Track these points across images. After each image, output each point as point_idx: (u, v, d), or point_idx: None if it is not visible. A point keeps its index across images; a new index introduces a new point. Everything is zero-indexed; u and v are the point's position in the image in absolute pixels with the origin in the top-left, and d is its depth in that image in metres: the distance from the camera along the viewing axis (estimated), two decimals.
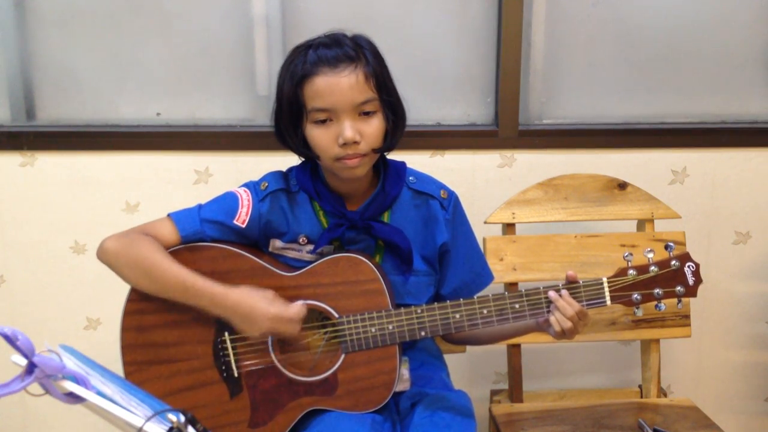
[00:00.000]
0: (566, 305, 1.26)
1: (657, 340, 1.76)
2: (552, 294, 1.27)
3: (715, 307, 2.08)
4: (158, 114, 1.99)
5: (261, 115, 1.98)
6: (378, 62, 1.30)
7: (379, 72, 1.29)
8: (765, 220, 2.04)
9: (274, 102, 1.34)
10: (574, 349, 2.10)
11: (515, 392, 1.75)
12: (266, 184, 1.38)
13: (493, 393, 1.87)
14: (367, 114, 1.27)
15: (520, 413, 1.67)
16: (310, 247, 1.37)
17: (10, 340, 0.80)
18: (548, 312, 1.28)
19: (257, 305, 1.25)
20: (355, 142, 1.26)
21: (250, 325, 1.26)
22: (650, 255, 1.29)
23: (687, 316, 1.74)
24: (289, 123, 1.31)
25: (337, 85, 1.24)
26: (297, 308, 1.27)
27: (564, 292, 1.26)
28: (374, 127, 1.28)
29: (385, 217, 1.38)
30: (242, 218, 1.35)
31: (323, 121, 1.27)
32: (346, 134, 1.25)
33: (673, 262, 1.28)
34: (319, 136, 1.28)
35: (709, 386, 2.14)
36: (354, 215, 1.35)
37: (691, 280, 1.29)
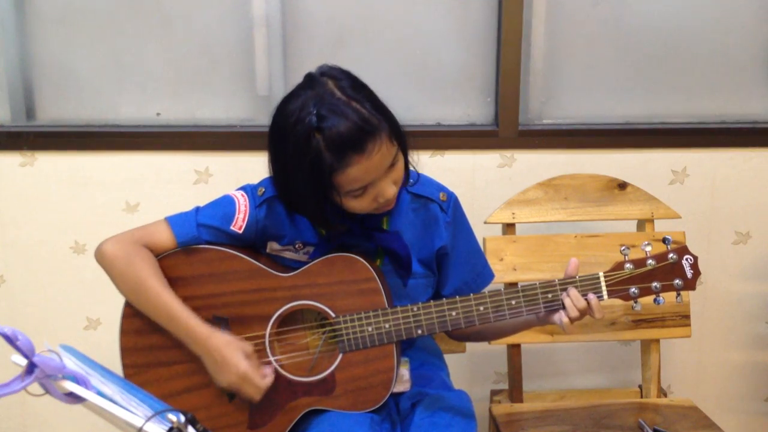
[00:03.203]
0: (572, 305, 1.26)
1: (657, 340, 1.76)
2: (562, 294, 1.27)
3: (715, 307, 2.08)
4: (158, 114, 1.99)
5: (261, 115, 1.98)
6: (375, 105, 1.21)
7: (389, 122, 1.22)
8: (765, 220, 2.04)
9: (280, 184, 1.27)
10: (574, 349, 2.10)
11: (515, 392, 1.75)
12: (263, 190, 1.36)
13: (493, 393, 1.87)
14: (393, 165, 1.24)
15: (520, 413, 1.67)
16: (308, 249, 1.36)
17: (10, 340, 0.80)
18: (545, 307, 1.28)
19: (231, 360, 1.25)
20: None
21: (218, 373, 1.27)
22: (648, 248, 1.27)
23: (687, 316, 1.74)
24: (315, 205, 1.25)
25: (372, 166, 1.19)
26: (267, 380, 1.28)
27: (573, 291, 1.26)
28: (401, 170, 1.27)
29: (384, 223, 1.37)
30: (239, 224, 1.34)
31: (358, 190, 1.23)
32: (389, 195, 1.23)
33: (670, 255, 1.27)
34: (358, 204, 1.24)
35: (709, 386, 2.14)
36: (353, 223, 1.34)
37: (689, 273, 1.27)
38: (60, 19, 1.94)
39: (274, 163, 1.26)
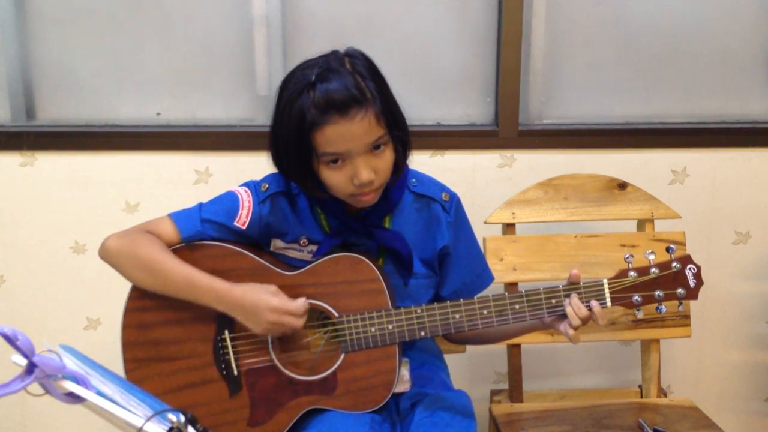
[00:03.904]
0: (574, 314, 1.25)
1: (657, 340, 1.76)
2: (565, 302, 1.27)
3: (715, 307, 2.08)
4: (158, 114, 1.99)
5: (261, 115, 1.98)
6: (381, 90, 1.24)
7: (387, 106, 1.24)
8: (765, 220, 2.04)
9: (272, 137, 1.29)
10: (574, 349, 2.09)
11: (515, 392, 1.75)
12: (267, 186, 1.37)
13: (493, 393, 1.87)
14: (378, 148, 1.24)
15: (520, 413, 1.67)
16: (312, 247, 1.36)
17: (10, 340, 0.80)
18: (548, 313, 1.28)
19: (260, 298, 1.25)
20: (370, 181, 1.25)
21: (254, 319, 1.26)
22: (651, 257, 1.28)
23: (687, 316, 1.74)
24: (296, 164, 1.27)
25: (350, 132, 1.20)
26: (300, 302, 1.27)
27: (574, 299, 1.26)
28: (386, 161, 1.26)
29: (387, 222, 1.38)
30: (242, 220, 1.35)
31: (335, 161, 1.24)
32: (362, 177, 1.22)
33: (674, 264, 1.27)
34: (333, 177, 1.25)
35: (709, 386, 2.14)
36: (356, 222, 1.34)
37: (692, 283, 1.28)
38: (60, 19, 1.94)
39: (274, 110, 1.28)
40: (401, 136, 1.28)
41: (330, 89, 1.19)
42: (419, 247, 1.40)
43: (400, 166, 1.31)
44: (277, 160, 1.31)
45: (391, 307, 1.30)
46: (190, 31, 1.95)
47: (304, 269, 1.32)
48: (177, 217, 1.36)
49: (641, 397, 1.80)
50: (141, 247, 1.29)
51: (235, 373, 1.33)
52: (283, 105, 1.24)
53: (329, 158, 1.23)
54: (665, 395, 1.83)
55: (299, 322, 1.27)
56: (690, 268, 1.28)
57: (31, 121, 1.99)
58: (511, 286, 1.73)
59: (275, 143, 1.29)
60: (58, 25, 1.95)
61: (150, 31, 1.95)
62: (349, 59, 1.25)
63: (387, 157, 1.26)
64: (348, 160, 1.23)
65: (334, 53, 1.26)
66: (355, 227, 1.34)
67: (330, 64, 1.22)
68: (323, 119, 1.19)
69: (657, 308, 1.29)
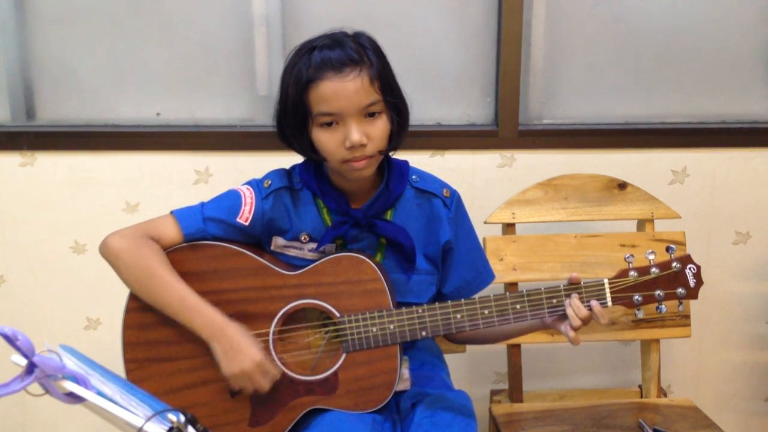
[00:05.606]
0: (574, 315, 1.26)
1: (657, 340, 1.76)
2: (565, 302, 1.27)
3: (715, 307, 2.08)
4: (158, 114, 1.99)
5: (261, 115, 1.98)
6: (381, 62, 1.30)
7: (383, 73, 1.29)
8: (765, 220, 2.04)
9: (277, 103, 1.34)
10: (574, 349, 2.08)
11: (515, 392, 1.75)
12: (270, 182, 1.38)
13: (493, 393, 1.87)
14: (372, 115, 1.28)
15: (520, 413, 1.67)
16: (312, 245, 1.37)
17: (10, 340, 0.80)
18: (549, 313, 1.28)
19: (249, 346, 1.26)
20: (362, 145, 1.26)
21: (232, 359, 1.25)
22: (651, 257, 1.29)
23: (687, 316, 1.74)
24: (294, 126, 1.30)
25: (343, 90, 1.24)
26: (277, 370, 1.29)
27: (574, 300, 1.26)
28: (380, 129, 1.28)
29: (388, 216, 1.38)
30: (245, 216, 1.35)
31: (329, 124, 1.27)
32: (353, 138, 1.25)
33: (674, 264, 1.28)
34: (325, 139, 1.28)
35: (709, 386, 2.14)
36: (357, 213, 1.35)
37: (692, 282, 1.29)
38: (60, 19, 1.94)
39: (280, 86, 1.33)
40: (396, 103, 1.31)
41: (329, 53, 1.26)
42: (422, 242, 1.40)
43: (395, 137, 1.33)
44: (279, 125, 1.34)
45: (391, 306, 1.30)
46: (190, 31, 1.95)
47: (305, 269, 1.32)
48: (180, 214, 1.36)
49: (641, 397, 1.80)
50: (142, 256, 1.29)
51: None
52: (286, 68, 1.31)
53: (323, 119, 1.26)
54: (665, 395, 1.83)
55: (267, 385, 1.28)
56: (690, 268, 1.29)
57: (31, 121, 1.99)
58: (511, 286, 1.73)
59: (277, 106, 1.33)
60: (58, 25, 1.95)
61: (150, 31, 1.95)
62: (354, 35, 1.31)
63: (381, 125, 1.29)
64: (341, 122, 1.26)
65: (341, 30, 1.32)
66: (357, 217, 1.34)
67: (334, 36, 1.29)
68: (318, 75, 1.24)
69: (657, 308, 1.29)
